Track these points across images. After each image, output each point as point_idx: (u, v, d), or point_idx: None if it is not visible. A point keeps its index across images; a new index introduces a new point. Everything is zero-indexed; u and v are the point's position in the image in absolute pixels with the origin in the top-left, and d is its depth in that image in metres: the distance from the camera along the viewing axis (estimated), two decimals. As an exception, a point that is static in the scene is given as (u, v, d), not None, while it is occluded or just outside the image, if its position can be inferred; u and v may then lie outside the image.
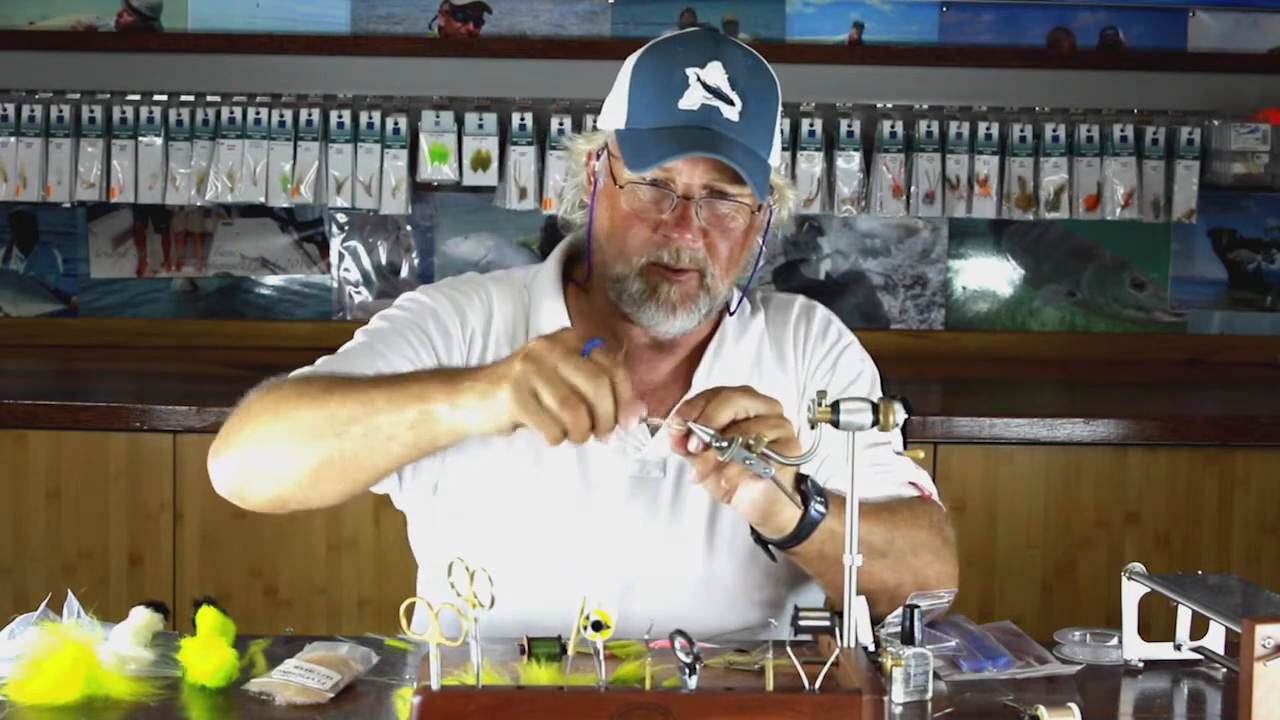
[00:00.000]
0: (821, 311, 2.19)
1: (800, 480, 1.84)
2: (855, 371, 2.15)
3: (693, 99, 1.96)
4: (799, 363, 2.14)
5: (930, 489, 2.08)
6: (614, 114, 2.03)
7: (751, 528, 1.90)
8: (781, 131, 2.09)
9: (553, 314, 2.09)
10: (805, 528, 1.85)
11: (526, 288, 2.13)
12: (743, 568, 2.05)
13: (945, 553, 2.01)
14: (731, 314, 2.13)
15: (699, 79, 1.96)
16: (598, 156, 2.04)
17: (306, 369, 1.98)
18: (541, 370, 1.70)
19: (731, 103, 1.96)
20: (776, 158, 2.03)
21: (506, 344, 2.08)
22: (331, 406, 1.82)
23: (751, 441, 1.77)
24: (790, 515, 1.84)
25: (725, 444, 1.79)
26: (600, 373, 1.70)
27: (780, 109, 2.04)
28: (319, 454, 1.84)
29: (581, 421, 1.70)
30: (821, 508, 1.85)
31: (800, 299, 2.21)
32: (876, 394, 2.14)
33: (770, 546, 1.90)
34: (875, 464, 2.04)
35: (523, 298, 2.12)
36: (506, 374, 1.72)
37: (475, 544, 1.99)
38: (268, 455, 1.87)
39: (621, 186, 1.99)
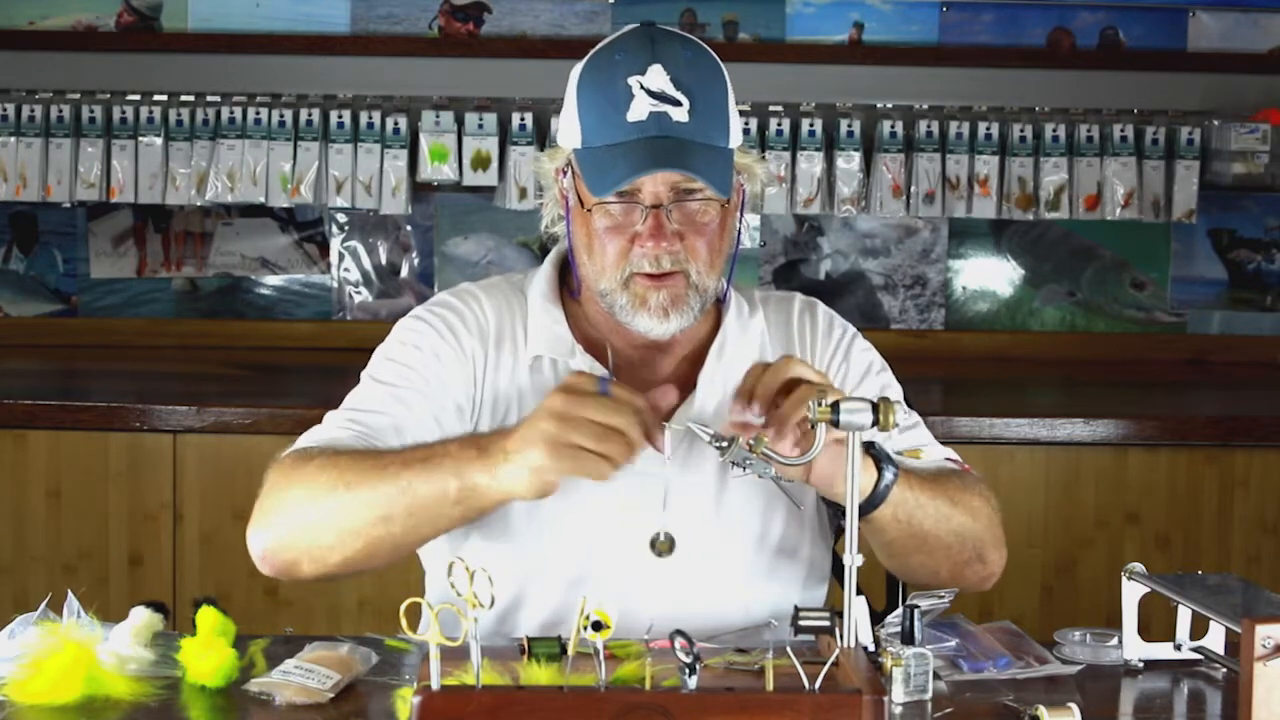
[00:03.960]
0: (822, 308, 2.22)
1: (869, 446, 1.87)
2: (867, 361, 2.18)
3: (640, 109, 1.96)
4: (806, 357, 2.15)
5: (967, 465, 2.12)
6: (569, 132, 2.03)
7: (825, 498, 1.93)
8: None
9: (551, 317, 2.10)
10: (879, 494, 1.89)
11: (522, 292, 2.14)
12: (748, 555, 2.07)
13: (996, 519, 2.06)
14: (722, 301, 2.13)
15: (642, 87, 1.96)
16: (564, 173, 2.05)
17: (327, 434, 1.98)
18: (570, 420, 1.75)
19: (679, 103, 1.96)
20: (737, 138, 2.04)
21: (509, 347, 2.10)
22: (367, 493, 1.85)
23: (752, 442, 1.79)
24: (863, 483, 1.87)
25: (725, 444, 1.81)
26: (624, 406, 1.76)
27: (730, 91, 2.03)
28: (367, 539, 1.87)
29: (621, 449, 1.75)
30: (891, 474, 1.88)
31: (798, 296, 2.23)
32: (892, 383, 2.18)
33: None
34: (915, 445, 2.09)
35: (517, 302, 2.13)
36: (535, 437, 1.76)
37: (482, 544, 2.00)
38: (313, 544, 1.89)
39: (589, 209, 2.00)
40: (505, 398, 2.08)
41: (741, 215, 2.09)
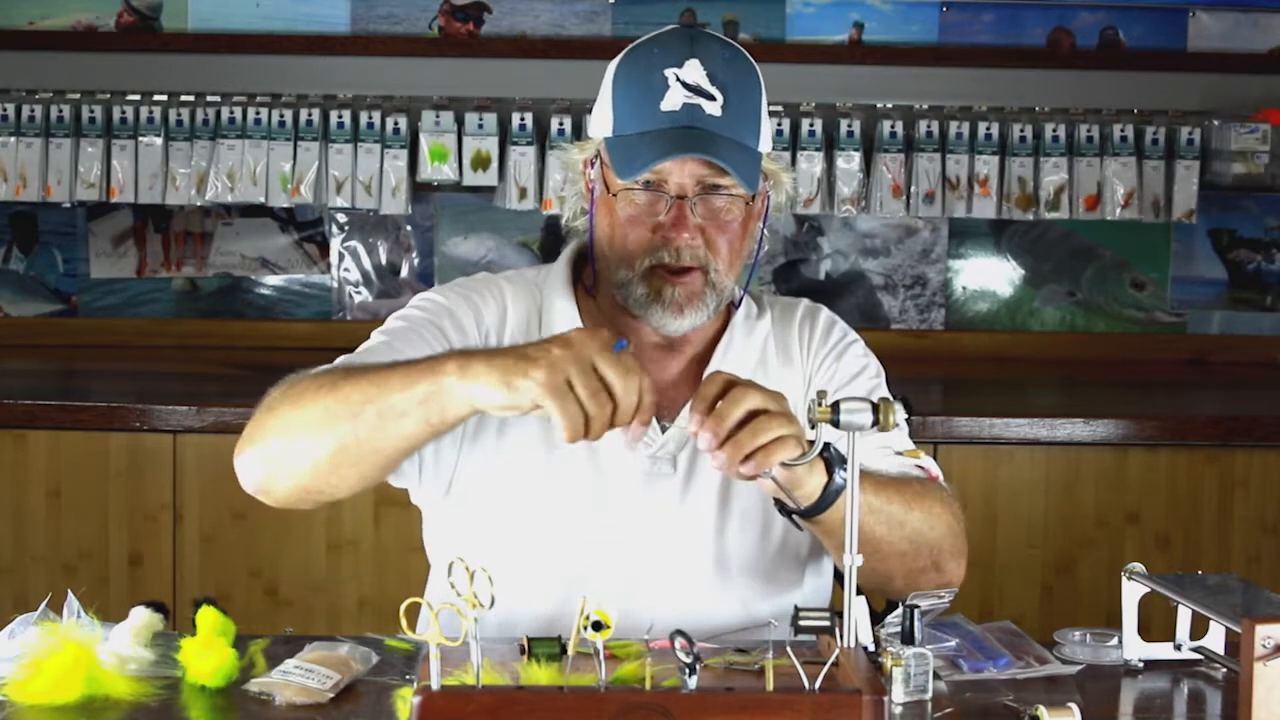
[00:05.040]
0: (826, 313, 2.23)
1: (824, 448, 1.84)
2: (860, 365, 2.17)
3: (674, 100, 1.98)
4: (804, 360, 2.17)
5: (937, 472, 2.10)
6: (601, 122, 2.05)
7: (775, 500, 1.90)
8: (773, 121, 2.09)
9: (565, 314, 2.11)
10: (829, 496, 1.85)
11: (539, 287, 2.15)
12: (751, 560, 2.07)
13: (958, 528, 2.03)
14: (736, 306, 2.14)
15: (678, 79, 1.98)
16: (592, 164, 2.07)
17: (326, 365, 1.98)
18: (579, 359, 1.72)
19: (713, 98, 1.98)
20: (766, 143, 2.06)
21: (522, 339, 2.10)
22: (346, 390, 1.83)
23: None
24: (814, 485, 1.85)
25: (723, 444, 1.81)
26: (632, 370, 1.73)
27: (764, 96, 2.06)
28: (335, 438, 1.84)
29: (604, 415, 1.72)
30: (841, 478, 1.84)
31: (805, 302, 2.24)
32: (881, 388, 2.17)
33: (794, 517, 1.90)
34: (882, 445, 2.06)
35: (535, 296, 2.15)
36: (541, 357, 1.73)
37: (487, 543, 2.00)
38: (288, 446, 1.88)
39: (615, 194, 2.01)
40: None
41: (764, 222, 2.09)
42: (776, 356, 2.16)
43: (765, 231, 2.11)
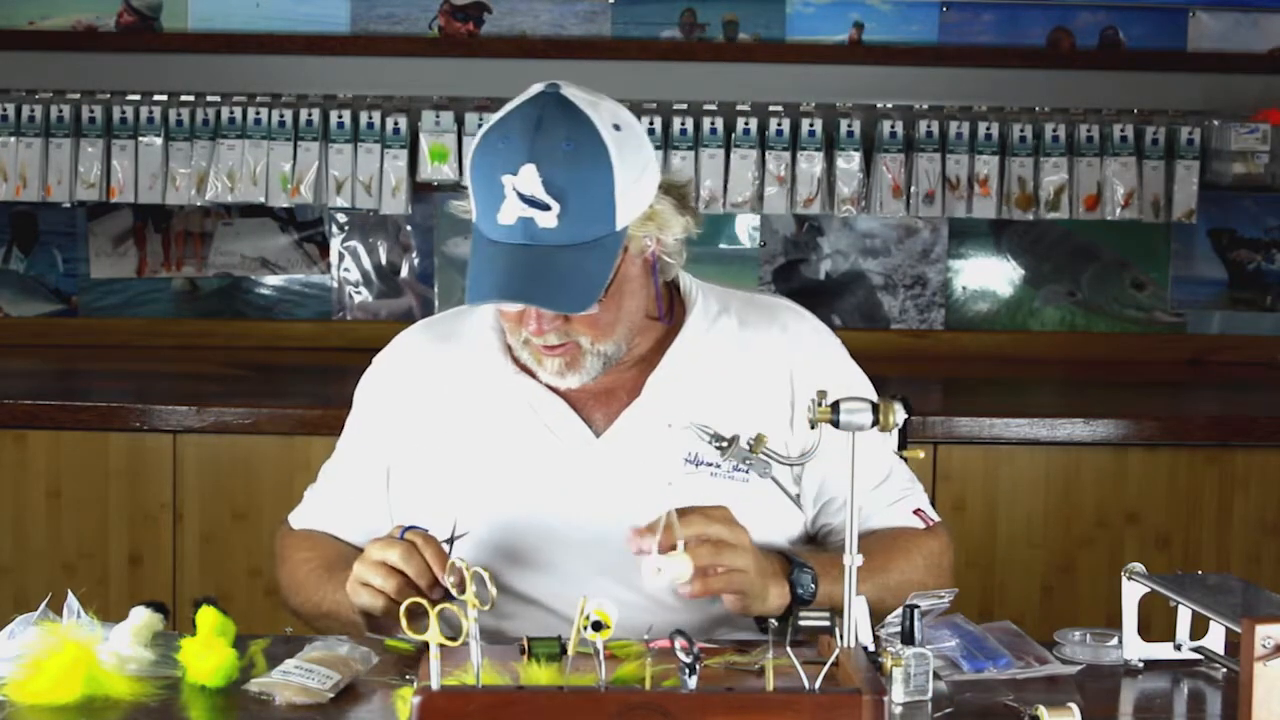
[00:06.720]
0: (814, 319, 2.19)
1: (788, 566, 1.94)
2: (851, 371, 2.16)
3: (509, 213, 1.91)
4: (786, 364, 2.11)
5: (935, 516, 2.14)
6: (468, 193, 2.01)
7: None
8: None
9: (484, 340, 2.12)
10: (796, 608, 1.93)
11: (470, 316, 2.16)
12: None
13: (945, 572, 2.12)
14: (659, 319, 2.10)
15: (514, 189, 1.90)
16: None
17: (310, 520, 2.25)
18: (361, 573, 1.95)
19: (547, 208, 1.89)
20: (631, 212, 1.95)
21: (448, 376, 2.14)
22: (312, 598, 2.15)
23: (752, 441, 1.80)
24: (776, 597, 1.93)
25: (726, 444, 1.81)
26: (409, 548, 1.92)
27: (621, 169, 1.93)
28: (319, 623, 2.15)
29: (393, 585, 1.91)
30: (810, 583, 1.94)
31: (784, 302, 2.20)
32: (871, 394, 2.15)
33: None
34: (889, 502, 2.11)
35: (455, 328, 2.17)
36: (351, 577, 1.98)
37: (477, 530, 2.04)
38: (290, 606, 2.23)
39: None
40: (463, 418, 2.11)
41: (655, 261, 2.03)
42: (752, 362, 2.11)
43: (657, 271, 2.05)
